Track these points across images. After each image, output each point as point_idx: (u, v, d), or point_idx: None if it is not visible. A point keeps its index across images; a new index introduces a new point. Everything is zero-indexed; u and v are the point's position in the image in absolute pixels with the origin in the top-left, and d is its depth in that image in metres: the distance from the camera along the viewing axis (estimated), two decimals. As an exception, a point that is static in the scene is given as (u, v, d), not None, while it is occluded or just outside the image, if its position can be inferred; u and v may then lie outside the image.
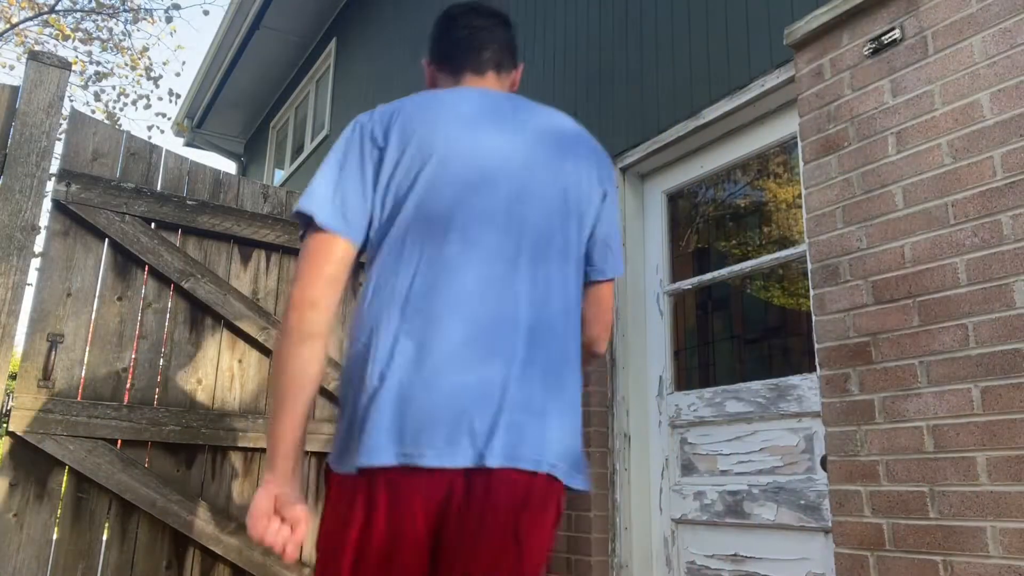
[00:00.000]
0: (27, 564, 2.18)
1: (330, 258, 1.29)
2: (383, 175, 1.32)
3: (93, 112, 11.06)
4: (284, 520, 1.22)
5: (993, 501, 1.75)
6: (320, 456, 2.74)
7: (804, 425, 2.42)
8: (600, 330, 1.53)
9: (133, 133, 2.61)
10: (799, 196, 2.66)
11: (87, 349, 2.39)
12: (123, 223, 2.47)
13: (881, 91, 2.16)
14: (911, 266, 2.00)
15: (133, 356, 2.46)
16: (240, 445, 2.53)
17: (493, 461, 1.19)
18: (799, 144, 2.38)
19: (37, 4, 10.37)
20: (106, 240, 2.46)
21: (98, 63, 11.26)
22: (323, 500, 1.46)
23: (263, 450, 2.59)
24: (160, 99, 22.93)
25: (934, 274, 1.95)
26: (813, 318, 2.23)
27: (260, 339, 2.63)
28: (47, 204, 2.41)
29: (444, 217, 1.29)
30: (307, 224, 1.31)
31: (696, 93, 2.88)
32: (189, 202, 2.61)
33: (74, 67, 9.54)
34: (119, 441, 2.37)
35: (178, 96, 10.79)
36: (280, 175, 8.48)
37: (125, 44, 11.61)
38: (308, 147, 7.44)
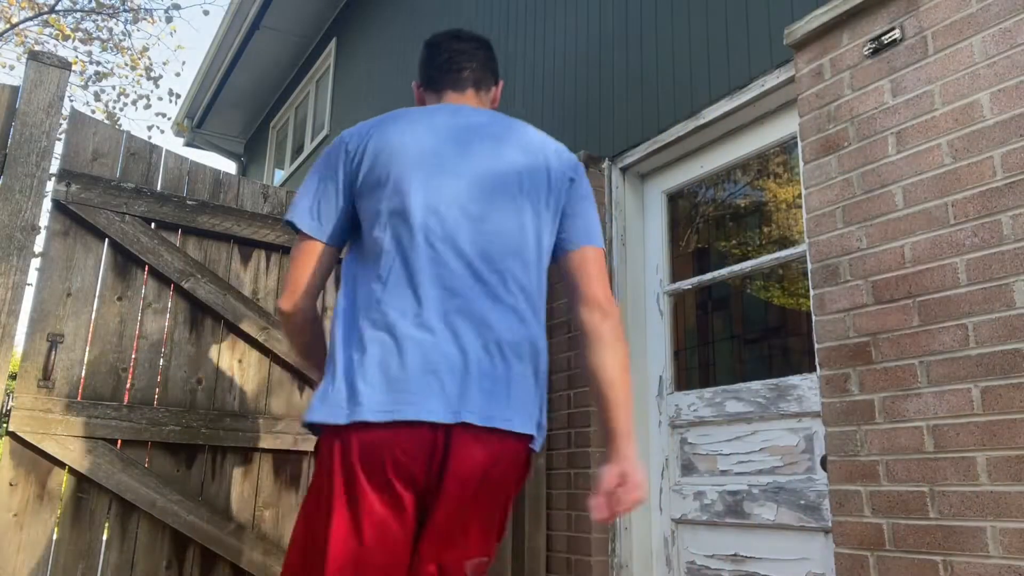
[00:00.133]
0: (27, 564, 2.18)
1: (311, 258, 1.55)
2: (358, 183, 1.53)
3: (93, 112, 11.06)
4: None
5: (993, 501, 1.75)
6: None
7: (804, 425, 2.42)
8: (588, 291, 1.60)
9: (133, 133, 2.61)
10: (799, 196, 2.66)
11: (87, 349, 2.39)
12: (123, 223, 2.47)
13: (881, 91, 2.16)
14: (911, 266, 2.00)
15: (133, 356, 2.46)
16: (240, 445, 2.53)
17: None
18: (799, 144, 2.38)
19: (37, 4, 10.37)
20: (106, 240, 2.46)
21: (98, 63, 11.26)
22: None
23: (263, 450, 2.59)
24: (160, 99, 22.96)
25: (934, 274, 1.95)
26: (813, 318, 2.23)
27: (260, 339, 2.63)
28: (47, 204, 2.41)
29: (408, 214, 1.47)
30: (295, 231, 1.57)
31: (696, 93, 2.88)
32: (189, 202, 2.61)
33: (74, 67, 9.54)
34: (119, 441, 2.37)
35: (178, 96, 10.79)
36: (280, 175, 8.48)
37: (125, 44, 11.62)
38: (308, 147, 7.44)
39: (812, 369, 2.41)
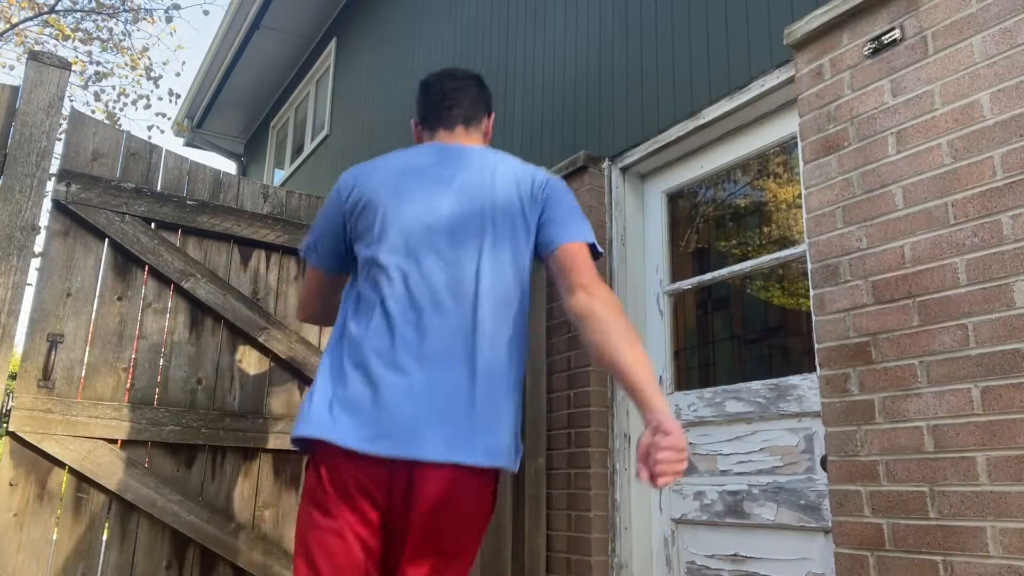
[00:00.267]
0: (27, 564, 2.18)
1: (311, 282, 1.86)
2: (350, 221, 1.72)
3: (93, 112, 11.06)
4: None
5: (993, 501, 1.75)
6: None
7: (804, 425, 2.42)
8: (569, 280, 1.65)
9: (133, 133, 2.61)
10: (799, 196, 2.66)
11: (87, 349, 2.39)
12: (123, 223, 2.47)
13: (881, 91, 2.16)
14: (911, 266, 2.00)
15: (133, 356, 2.46)
16: (240, 445, 2.53)
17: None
18: (799, 144, 2.38)
19: (37, 4, 10.37)
20: (106, 240, 2.46)
21: (98, 63, 11.26)
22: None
23: (263, 450, 2.59)
24: (160, 99, 22.88)
25: (934, 274, 1.95)
26: (813, 318, 2.23)
27: (260, 339, 2.63)
28: (47, 204, 2.42)
29: (385, 260, 1.62)
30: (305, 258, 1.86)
31: (696, 93, 2.88)
32: (189, 202, 2.61)
33: (74, 67, 9.54)
34: (119, 441, 2.37)
35: (178, 96, 10.79)
36: (280, 175, 8.48)
37: (125, 44, 11.61)
38: (308, 147, 7.44)
39: (812, 369, 2.41)
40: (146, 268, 2.52)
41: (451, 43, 4.94)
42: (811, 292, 2.25)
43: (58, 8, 10.52)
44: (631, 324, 1.55)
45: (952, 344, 1.88)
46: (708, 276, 2.91)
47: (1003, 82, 1.89)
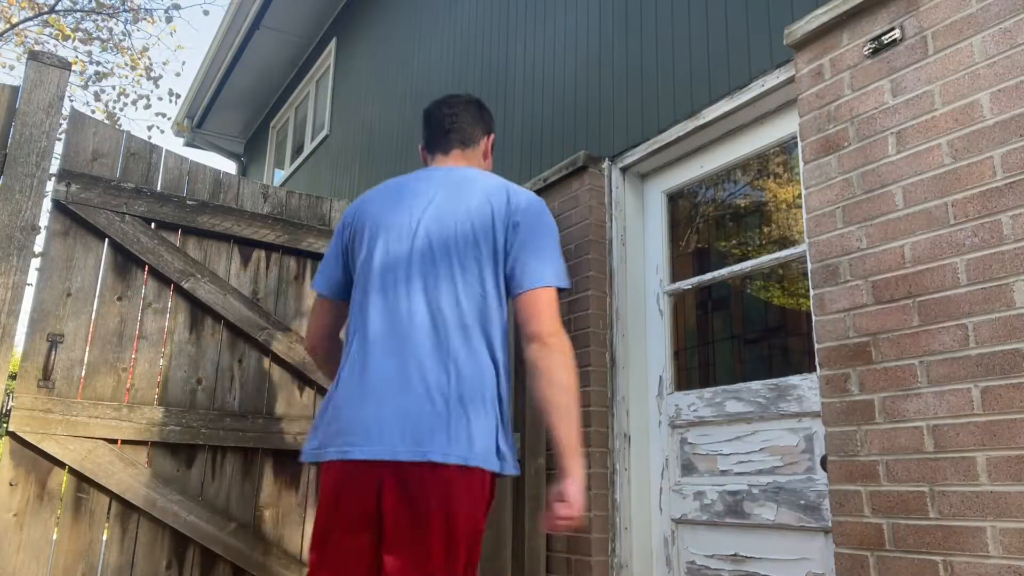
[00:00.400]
0: (27, 564, 2.18)
1: (317, 310, 1.96)
2: (350, 249, 1.88)
3: (93, 112, 11.06)
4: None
5: (993, 501, 1.75)
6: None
7: (804, 425, 2.42)
8: (526, 330, 1.76)
9: (133, 133, 2.60)
10: (799, 196, 2.66)
11: (87, 349, 2.39)
12: (123, 223, 2.47)
13: (881, 91, 2.16)
14: (911, 266, 2.00)
15: (133, 356, 2.46)
16: (240, 445, 2.53)
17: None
18: (799, 144, 2.38)
19: (37, 4, 10.37)
20: (106, 240, 2.46)
21: (98, 63, 11.26)
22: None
23: (263, 450, 2.59)
24: (160, 99, 22.88)
25: (934, 274, 1.95)
26: (813, 318, 2.23)
27: (260, 339, 2.63)
28: (47, 204, 2.41)
29: (367, 283, 1.77)
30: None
31: (696, 93, 2.88)
32: (189, 202, 2.61)
33: (74, 67, 9.54)
34: (119, 441, 2.37)
35: (178, 96, 10.79)
36: (280, 175, 8.48)
37: (125, 44, 11.61)
38: (308, 147, 7.44)
39: (812, 369, 2.41)
40: (146, 268, 2.52)
41: (451, 43, 4.94)
42: (811, 292, 2.25)
43: (58, 8, 10.53)
44: (572, 378, 1.68)
45: (952, 344, 1.88)
46: (708, 276, 2.91)
47: (1003, 82, 1.89)
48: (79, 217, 2.41)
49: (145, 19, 10.96)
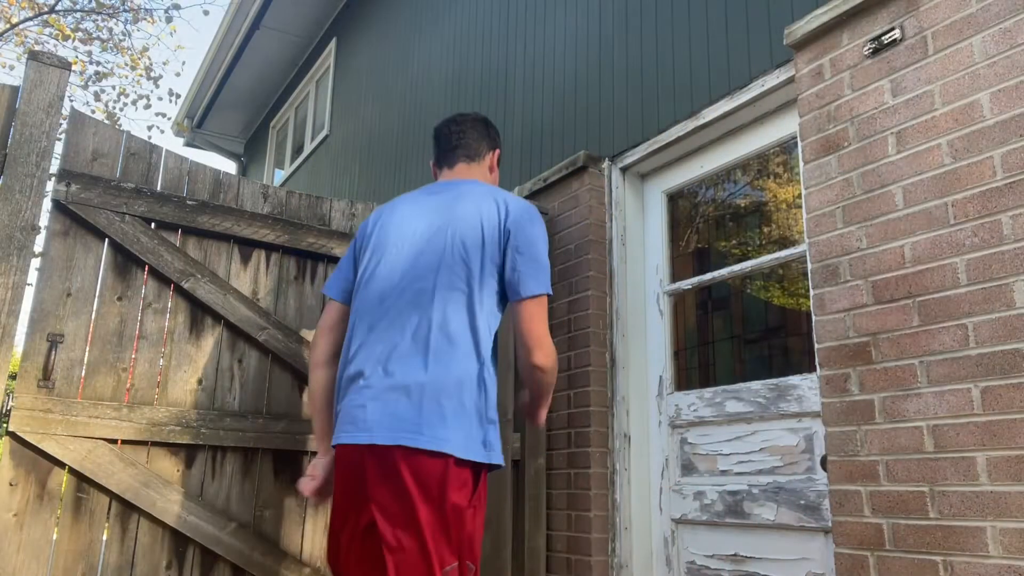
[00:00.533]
0: (27, 564, 2.18)
1: (326, 314, 2.11)
2: (359, 258, 2.05)
3: (93, 112, 11.06)
4: (313, 477, 2.02)
5: (993, 501, 1.75)
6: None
7: (804, 425, 2.42)
8: (522, 341, 1.96)
9: (133, 133, 2.60)
10: (799, 196, 2.66)
11: (87, 349, 2.39)
12: (123, 223, 2.47)
13: (881, 91, 2.16)
14: (911, 266, 2.00)
15: (133, 356, 2.46)
16: (240, 445, 2.53)
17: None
18: (799, 144, 2.38)
19: (37, 4, 10.36)
20: (106, 240, 2.46)
21: (98, 63, 11.25)
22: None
23: (263, 450, 2.59)
24: (160, 99, 22.86)
25: (934, 274, 1.95)
26: (813, 318, 2.23)
27: (260, 339, 2.63)
28: (47, 204, 2.41)
29: (364, 290, 1.96)
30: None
31: (696, 93, 2.88)
32: (189, 202, 2.61)
33: (74, 67, 9.53)
34: (119, 441, 2.37)
35: (178, 96, 10.78)
36: (280, 175, 8.48)
37: (125, 44, 11.60)
38: (308, 147, 7.44)
39: (812, 369, 2.41)
40: (146, 268, 2.52)
41: (451, 43, 4.94)
42: (811, 292, 2.25)
43: (58, 8, 10.52)
44: (554, 373, 1.99)
45: (952, 344, 1.88)
46: (708, 276, 2.91)
47: (1003, 82, 1.89)
48: (79, 217, 2.41)
49: (145, 19, 10.96)
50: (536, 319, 1.92)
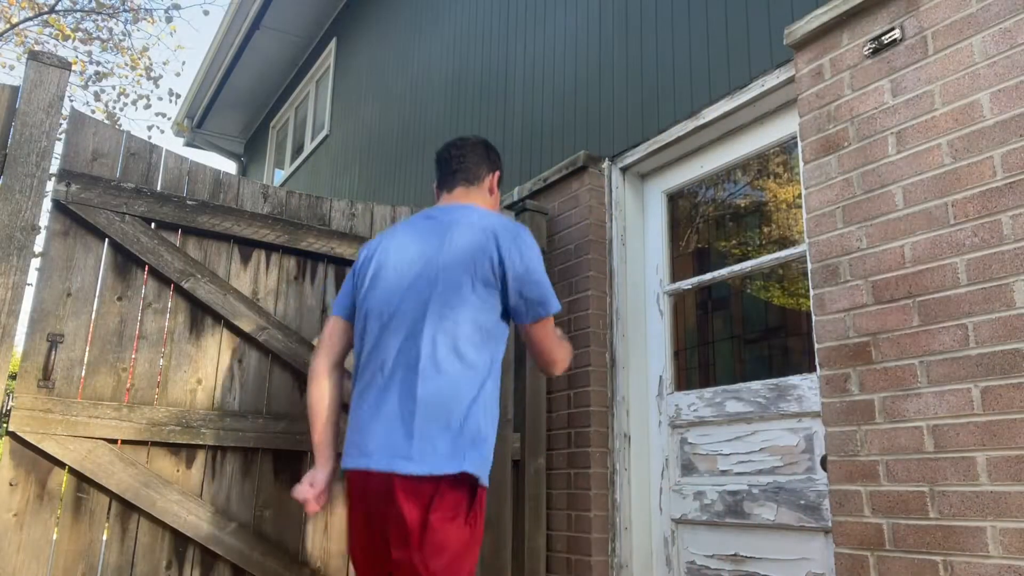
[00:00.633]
0: (27, 564, 2.18)
1: (326, 327, 2.17)
2: (360, 284, 2.10)
3: (93, 112, 11.06)
4: (312, 485, 2.04)
5: (993, 501, 1.75)
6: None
7: (804, 425, 2.42)
8: (538, 362, 2.12)
9: (133, 133, 2.60)
10: (799, 196, 2.66)
11: (87, 349, 2.39)
12: (123, 223, 2.47)
13: (881, 91, 2.16)
14: (911, 266, 2.00)
15: (133, 356, 2.46)
16: (240, 445, 2.53)
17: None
18: (799, 144, 2.38)
19: (37, 4, 10.36)
20: (106, 240, 2.46)
21: (98, 63, 11.25)
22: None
23: (263, 450, 2.59)
24: (160, 99, 22.83)
25: (934, 274, 1.95)
26: (813, 318, 2.23)
27: (260, 339, 2.63)
28: (47, 204, 2.41)
29: (364, 319, 2.03)
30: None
31: (696, 93, 2.88)
32: (189, 202, 2.61)
33: (74, 67, 9.53)
34: (119, 441, 2.37)
35: (178, 96, 10.78)
36: (280, 175, 8.48)
37: (125, 44, 11.60)
38: (308, 147, 7.44)
39: (812, 369, 2.41)
40: (146, 268, 2.52)
41: (451, 43, 4.94)
42: (811, 292, 2.25)
43: (58, 8, 10.52)
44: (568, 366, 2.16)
45: (952, 344, 1.88)
46: (708, 276, 2.91)
47: (1003, 82, 1.89)
48: (79, 217, 2.41)
49: (145, 19, 10.96)
50: (548, 339, 2.04)
